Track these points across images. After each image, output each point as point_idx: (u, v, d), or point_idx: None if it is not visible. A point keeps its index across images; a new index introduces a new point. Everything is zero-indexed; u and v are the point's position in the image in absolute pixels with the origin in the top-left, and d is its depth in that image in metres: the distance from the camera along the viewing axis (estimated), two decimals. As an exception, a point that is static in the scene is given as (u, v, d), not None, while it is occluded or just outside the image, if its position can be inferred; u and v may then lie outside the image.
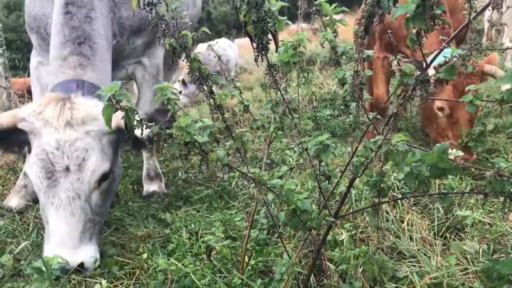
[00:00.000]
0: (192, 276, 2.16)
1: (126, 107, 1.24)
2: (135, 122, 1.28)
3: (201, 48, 11.54)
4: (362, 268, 1.76)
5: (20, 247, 1.37)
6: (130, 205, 3.47)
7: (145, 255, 2.59)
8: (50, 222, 2.37)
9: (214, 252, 2.27)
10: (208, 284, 2.12)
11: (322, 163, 1.63)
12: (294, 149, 4.09)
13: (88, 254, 2.40)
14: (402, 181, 2.22)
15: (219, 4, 32.75)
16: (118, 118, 2.48)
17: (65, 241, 2.33)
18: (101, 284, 2.15)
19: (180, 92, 10.90)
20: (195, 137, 1.20)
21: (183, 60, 1.62)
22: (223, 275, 2.21)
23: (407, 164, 1.34)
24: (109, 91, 1.20)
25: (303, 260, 2.28)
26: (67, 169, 2.38)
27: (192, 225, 2.96)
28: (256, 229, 2.15)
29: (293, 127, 1.63)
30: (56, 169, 2.37)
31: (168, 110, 2.82)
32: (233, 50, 11.28)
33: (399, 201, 2.83)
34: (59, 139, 2.40)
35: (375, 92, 4.08)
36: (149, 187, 3.70)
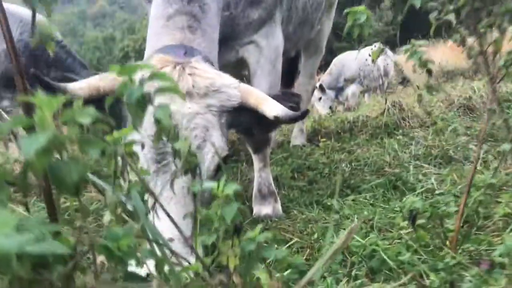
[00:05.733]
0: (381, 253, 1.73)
1: None
2: None
3: (348, 55, 11.58)
4: None
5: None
6: (291, 191, 3.18)
7: (315, 235, 2.25)
8: (160, 216, 1.42)
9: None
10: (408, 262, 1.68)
11: None
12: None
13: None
14: None
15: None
16: (248, 92, 2.02)
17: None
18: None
19: (320, 98, 10.84)
20: None
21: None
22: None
23: None
24: None
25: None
26: None
27: (365, 212, 2.54)
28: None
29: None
30: (168, 151, 1.77)
31: (294, 94, 2.26)
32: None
33: None
34: (175, 111, 1.83)
35: None
36: (261, 208, 2.88)
